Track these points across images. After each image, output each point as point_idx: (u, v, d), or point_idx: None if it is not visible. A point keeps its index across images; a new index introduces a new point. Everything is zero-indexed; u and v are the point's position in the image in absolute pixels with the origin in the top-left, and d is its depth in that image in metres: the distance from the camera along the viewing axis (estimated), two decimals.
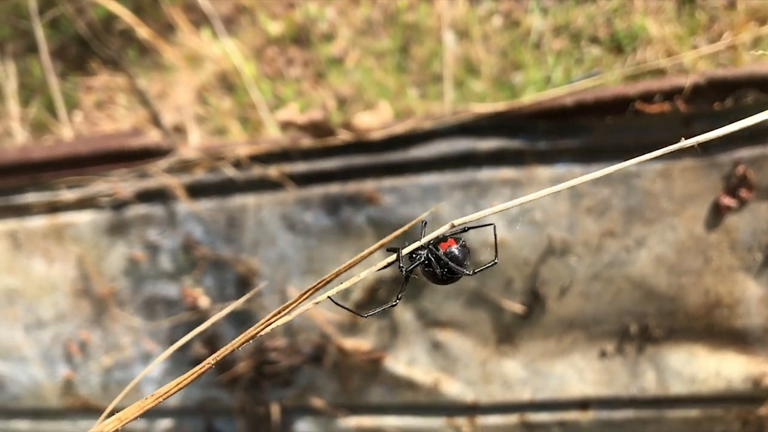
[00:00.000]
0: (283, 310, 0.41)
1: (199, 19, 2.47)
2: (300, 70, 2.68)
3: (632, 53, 2.00)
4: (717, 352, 1.22)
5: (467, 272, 0.43)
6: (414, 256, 0.43)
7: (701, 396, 1.23)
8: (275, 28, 2.44)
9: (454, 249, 0.42)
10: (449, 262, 0.42)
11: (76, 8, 2.44)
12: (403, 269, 0.42)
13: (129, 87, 2.79)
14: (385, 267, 0.42)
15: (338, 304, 0.48)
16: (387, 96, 2.23)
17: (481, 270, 0.45)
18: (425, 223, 0.44)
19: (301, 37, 2.44)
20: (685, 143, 0.44)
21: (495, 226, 0.49)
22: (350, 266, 0.41)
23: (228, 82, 2.87)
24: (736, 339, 1.21)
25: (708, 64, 1.84)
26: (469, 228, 0.43)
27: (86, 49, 2.54)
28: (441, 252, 0.42)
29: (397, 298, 0.46)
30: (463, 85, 2.50)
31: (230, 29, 2.50)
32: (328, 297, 0.43)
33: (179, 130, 2.55)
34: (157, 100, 2.82)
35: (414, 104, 2.28)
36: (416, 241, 0.41)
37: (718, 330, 1.21)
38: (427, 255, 0.42)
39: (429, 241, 0.42)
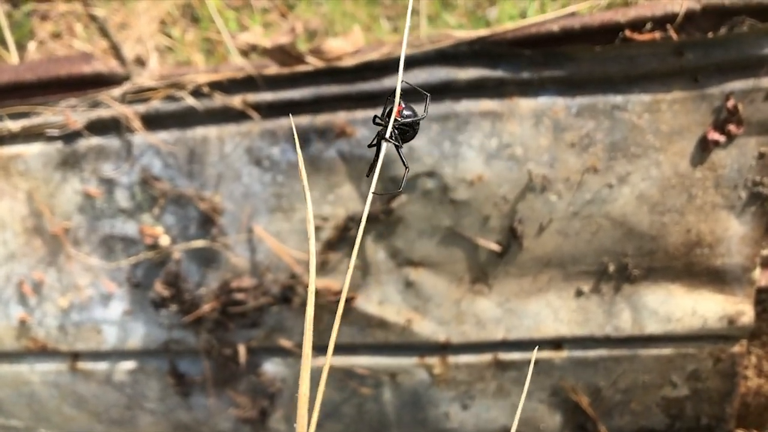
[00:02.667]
0: None
1: None
2: (267, 0, 2.53)
3: None
4: (694, 291, 1.20)
5: (422, 116, 0.60)
6: (389, 133, 0.60)
7: (676, 335, 1.22)
8: None
9: (404, 111, 0.59)
10: (408, 119, 0.59)
11: None
12: (385, 137, 0.59)
13: (87, 16, 2.60)
14: (375, 147, 0.59)
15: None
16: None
17: (426, 114, 0.62)
18: (387, 98, 0.61)
19: None
20: None
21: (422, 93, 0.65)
22: None
23: (192, 13, 2.70)
24: (715, 278, 1.19)
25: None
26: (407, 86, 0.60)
27: None
28: (400, 119, 0.59)
29: (406, 169, 0.62)
30: (437, 19, 2.38)
31: None
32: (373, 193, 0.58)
33: (141, 62, 2.39)
34: (118, 31, 2.64)
35: (386, 38, 2.17)
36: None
37: (697, 269, 1.19)
38: (394, 126, 0.59)
39: (387, 119, 0.59)
